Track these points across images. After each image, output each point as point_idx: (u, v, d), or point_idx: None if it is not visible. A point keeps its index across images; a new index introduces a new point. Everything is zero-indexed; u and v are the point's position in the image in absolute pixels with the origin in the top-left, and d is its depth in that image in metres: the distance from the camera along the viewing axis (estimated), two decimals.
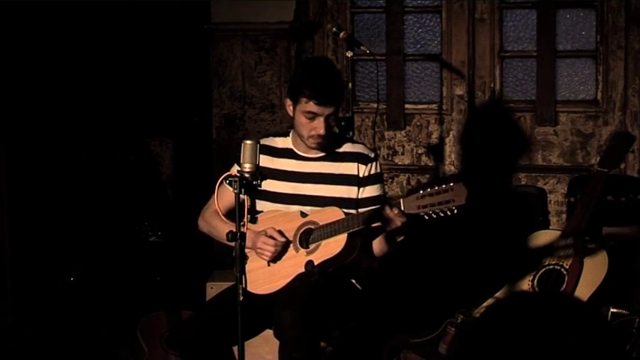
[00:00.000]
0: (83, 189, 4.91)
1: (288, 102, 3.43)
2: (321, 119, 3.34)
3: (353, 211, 3.37)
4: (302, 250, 3.35)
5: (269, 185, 3.40)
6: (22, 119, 4.67)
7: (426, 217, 3.13)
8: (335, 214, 3.32)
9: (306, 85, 3.34)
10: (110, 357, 4.57)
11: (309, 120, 3.35)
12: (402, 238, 3.33)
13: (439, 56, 4.95)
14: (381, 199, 3.42)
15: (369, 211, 3.28)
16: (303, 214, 3.40)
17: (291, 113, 3.43)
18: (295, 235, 3.38)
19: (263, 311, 3.32)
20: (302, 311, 3.17)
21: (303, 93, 3.34)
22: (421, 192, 3.13)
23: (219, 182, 3.04)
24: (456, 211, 3.08)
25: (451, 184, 3.10)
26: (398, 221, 3.16)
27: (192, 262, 4.71)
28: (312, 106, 3.33)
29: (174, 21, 5.09)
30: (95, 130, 4.97)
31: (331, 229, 3.29)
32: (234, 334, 2.94)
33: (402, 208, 3.14)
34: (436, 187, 3.10)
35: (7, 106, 4.59)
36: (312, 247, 3.34)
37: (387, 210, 3.16)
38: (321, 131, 3.35)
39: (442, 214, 3.10)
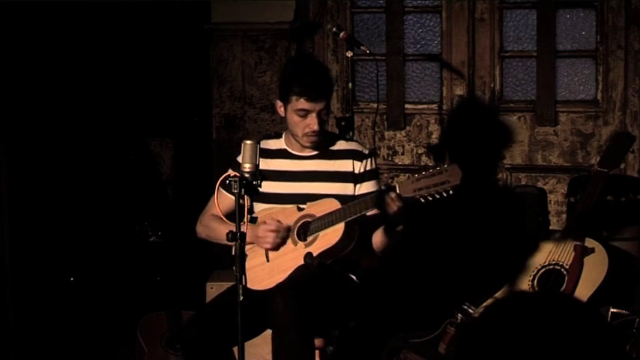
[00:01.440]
0: (83, 189, 4.91)
1: (279, 103, 3.46)
2: (314, 115, 3.37)
3: None
4: (300, 243, 3.37)
5: (266, 187, 3.41)
6: (22, 119, 4.67)
7: (422, 200, 3.14)
8: (331, 204, 3.33)
9: (295, 83, 3.37)
10: (110, 356, 4.58)
11: (302, 118, 3.38)
12: (400, 227, 3.32)
13: (439, 56, 4.95)
14: None
15: (365, 198, 3.28)
16: (300, 208, 3.41)
17: (282, 114, 3.46)
18: (293, 228, 3.39)
19: (265, 311, 3.32)
20: (295, 298, 3.18)
21: (293, 91, 3.37)
22: (416, 175, 3.14)
23: (218, 183, 3.05)
24: (451, 192, 3.09)
25: (445, 166, 3.12)
26: (394, 206, 3.17)
27: (192, 262, 4.71)
28: (303, 104, 3.36)
29: (174, 21, 5.09)
30: (95, 130, 4.97)
31: (328, 220, 3.31)
32: (236, 333, 2.94)
33: (398, 192, 3.15)
34: (431, 170, 3.12)
35: (7, 106, 4.59)
36: (310, 239, 3.36)
37: (384, 196, 3.17)
38: (315, 127, 3.37)
39: (438, 196, 3.10)
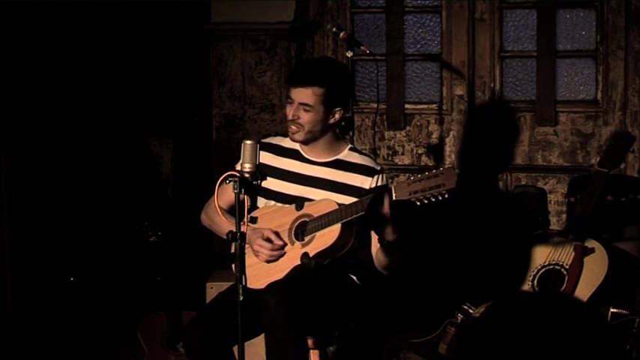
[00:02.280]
0: (83, 189, 4.91)
1: None
2: (294, 105, 3.41)
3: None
4: (297, 243, 3.38)
5: (272, 184, 3.42)
6: (23, 120, 4.67)
7: (418, 203, 3.13)
8: (329, 205, 3.33)
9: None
10: (110, 356, 4.58)
11: (288, 105, 3.45)
12: (392, 236, 3.27)
13: (439, 56, 4.95)
14: None
15: (361, 200, 3.28)
16: (299, 208, 3.41)
17: None
18: (290, 228, 3.40)
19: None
20: (287, 296, 3.19)
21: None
22: (412, 178, 3.14)
23: (219, 182, 3.05)
24: (447, 196, 3.08)
25: (441, 169, 3.11)
26: (389, 207, 3.15)
27: (192, 262, 4.71)
28: (289, 90, 3.44)
29: (174, 21, 5.09)
30: (95, 131, 4.97)
31: (325, 220, 3.31)
32: (236, 333, 2.95)
33: (394, 194, 3.14)
34: (426, 173, 3.11)
35: (7, 107, 4.59)
36: (307, 239, 3.36)
37: (381, 197, 3.17)
38: (290, 115, 3.40)
39: (433, 199, 3.10)
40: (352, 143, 3.77)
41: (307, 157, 3.51)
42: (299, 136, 3.44)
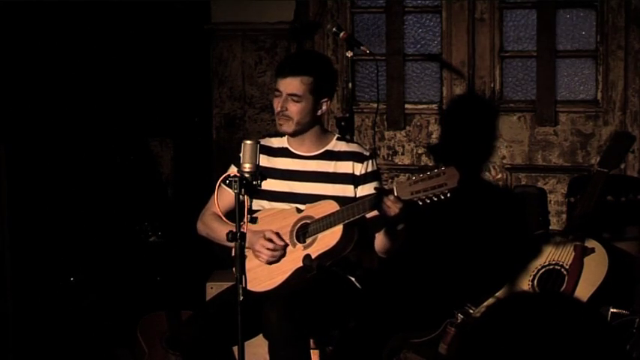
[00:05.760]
0: (83, 189, 4.91)
1: None
2: (282, 97, 3.43)
3: None
4: (299, 245, 3.37)
5: (265, 184, 3.41)
6: (22, 119, 4.67)
7: (420, 203, 3.12)
8: (330, 206, 3.33)
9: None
10: (110, 356, 4.57)
11: (276, 98, 3.47)
12: (402, 226, 3.30)
13: (439, 56, 4.95)
14: None
15: (363, 200, 3.28)
16: (299, 210, 3.41)
17: None
18: (292, 230, 3.39)
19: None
20: (289, 311, 3.18)
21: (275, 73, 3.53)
22: (414, 178, 3.12)
23: (218, 183, 3.05)
24: (449, 195, 3.08)
25: (443, 168, 3.09)
26: (395, 207, 3.15)
27: (192, 262, 4.71)
28: (277, 83, 3.47)
29: (174, 21, 5.09)
30: (95, 131, 4.97)
31: (326, 222, 3.31)
32: (235, 333, 2.95)
33: (395, 194, 3.14)
34: (428, 172, 3.10)
35: (7, 106, 4.59)
36: (308, 241, 3.36)
37: (383, 198, 3.16)
38: (278, 107, 3.43)
39: (435, 199, 3.09)
40: None
41: (297, 152, 3.52)
42: (287, 127, 3.46)
